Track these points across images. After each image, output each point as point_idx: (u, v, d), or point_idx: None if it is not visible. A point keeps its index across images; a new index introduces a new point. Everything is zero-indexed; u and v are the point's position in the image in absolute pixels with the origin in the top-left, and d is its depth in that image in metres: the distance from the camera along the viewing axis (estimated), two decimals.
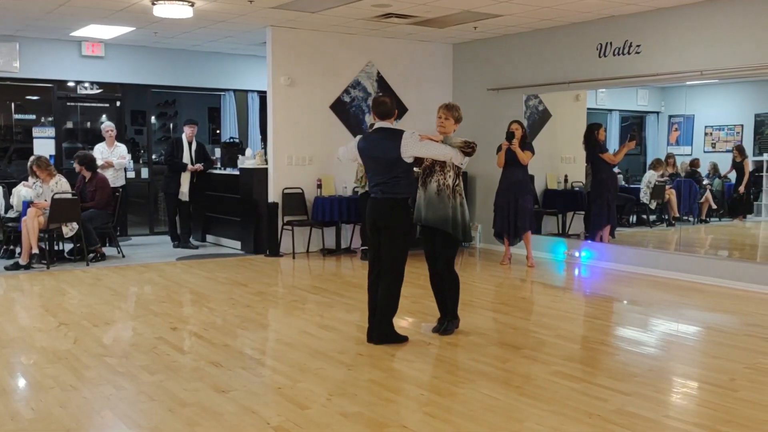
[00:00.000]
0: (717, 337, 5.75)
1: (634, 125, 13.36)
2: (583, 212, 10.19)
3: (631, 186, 12.36)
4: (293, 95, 9.83)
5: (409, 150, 5.22)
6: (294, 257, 9.56)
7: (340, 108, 10.21)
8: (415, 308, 6.74)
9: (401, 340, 5.41)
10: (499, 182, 8.97)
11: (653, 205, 11.74)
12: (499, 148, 8.86)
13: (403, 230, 5.36)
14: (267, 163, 9.87)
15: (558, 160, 10.87)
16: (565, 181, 10.83)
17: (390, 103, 5.36)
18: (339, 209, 9.64)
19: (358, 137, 5.58)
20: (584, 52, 9.11)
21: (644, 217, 11.80)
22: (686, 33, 8.07)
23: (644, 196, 11.61)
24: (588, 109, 10.88)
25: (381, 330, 5.34)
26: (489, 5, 8.14)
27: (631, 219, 11.87)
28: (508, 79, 10.15)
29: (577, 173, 10.75)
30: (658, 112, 13.41)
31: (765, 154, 12.87)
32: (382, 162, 5.27)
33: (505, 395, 4.24)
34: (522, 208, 8.81)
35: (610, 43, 8.81)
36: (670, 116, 14.22)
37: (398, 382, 4.53)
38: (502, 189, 8.92)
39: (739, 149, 12.72)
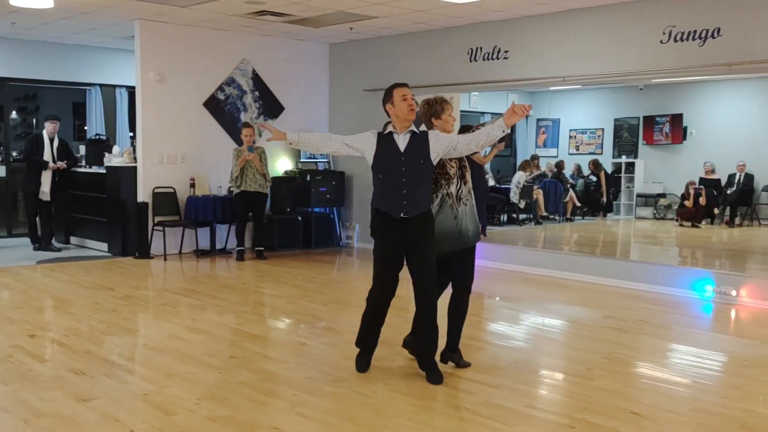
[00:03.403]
0: (578, 330, 6.06)
1: None
2: None
3: (502, 186, 12.84)
4: (164, 91, 9.50)
5: None
6: (165, 259, 9.25)
7: (214, 105, 9.97)
8: (290, 309, 6.69)
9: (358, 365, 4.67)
10: None
11: (522, 205, 12.24)
12: None
13: (373, 240, 4.58)
14: (136, 162, 9.50)
15: None
16: None
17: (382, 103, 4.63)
18: (213, 209, 9.41)
19: None
20: (456, 56, 9.36)
21: (514, 216, 12.29)
22: (550, 40, 8.45)
23: (514, 196, 12.09)
24: (462, 111, 11.19)
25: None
26: (363, 7, 8.20)
27: (502, 218, 12.32)
28: (384, 80, 10.24)
29: None
30: (527, 116, 13.98)
31: (623, 156, 13.74)
32: None
33: (377, 392, 4.28)
34: None
35: (480, 48, 9.09)
36: (538, 120, 14.92)
37: (271, 383, 4.47)
38: None
39: (595, 164, 13.55)
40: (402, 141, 4.39)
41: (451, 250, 4.56)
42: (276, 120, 10.57)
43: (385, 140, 4.43)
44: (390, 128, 4.44)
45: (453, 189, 4.57)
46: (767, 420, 3.90)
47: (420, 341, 4.54)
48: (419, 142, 4.39)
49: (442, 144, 4.38)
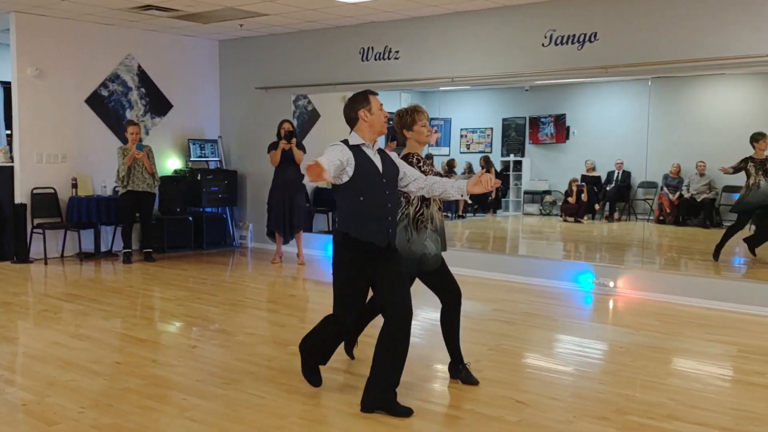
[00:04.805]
0: (467, 323, 6.18)
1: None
2: None
3: None
4: (43, 87, 9.06)
5: None
6: (46, 263, 8.81)
7: (97, 102, 9.59)
8: (180, 311, 6.53)
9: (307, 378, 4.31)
10: (273, 181, 8.96)
11: None
12: (272, 146, 8.85)
13: (335, 267, 4.02)
14: (13, 161, 9.01)
15: None
16: None
17: (346, 108, 3.96)
18: (97, 210, 9.06)
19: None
20: (348, 55, 9.40)
21: None
22: (438, 41, 8.63)
23: None
24: None
25: (303, 356, 4.29)
26: (253, 3, 8.10)
27: None
28: (276, 78, 10.18)
29: None
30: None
31: (511, 155, 14.22)
32: None
33: (270, 393, 4.25)
34: (297, 207, 8.90)
35: (372, 48, 9.17)
36: (431, 119, 15.18)
37: (159, 388, 4.35)
38: (276, 187, 8.93)
39: (486, 160, 13.95)
40: (375, 157, 3.89)
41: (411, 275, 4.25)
42: (164, 117, 10.29)
43: (358, 154, 3.83)
44: (356, 140, 3.88)
45: (411, 210, 4.25)
46: (640, 403, 4.15)
47: (381, 377, 3.93)
48: (388, 159, 3.95)
49: (399, 169, 4.01)
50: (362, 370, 4.66)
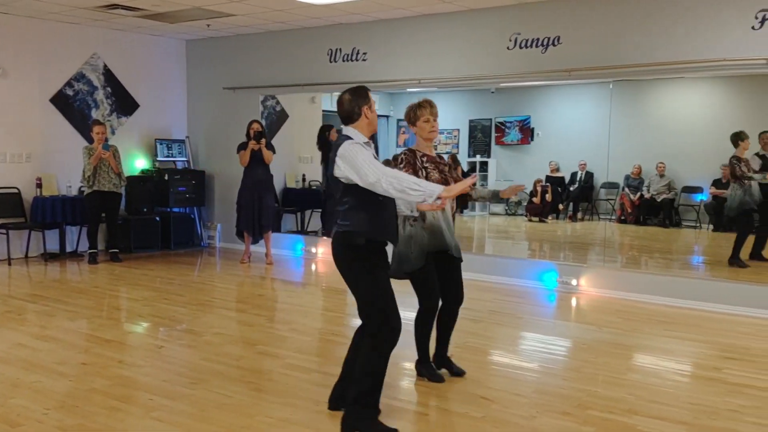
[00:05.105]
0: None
1: None
2: (320, 210, 10.56)
3: None
4: (6, 87, 8.94)
5: (339, 166, 3.60)
6: (10, 264, 8.69)
7: (62, 102, 9.48)
8: (147, 312, 6.50)
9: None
10: (242, 181, 8.96)
11: None
12: (241, 147, 8.85)
13: (351, 270, 3.71)
14: None
15: (296, 160, 11.14)
16: (303, 180, 11.13)
17: (348, 102, 3.71)
18: (62, 210, 8.97)
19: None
20: (316, 56, 9.43)
21: None
22: (406, 43, 8.71)
23: None
24: (324, 111, 11.27)
25: (348, 412, 3.73)
26: (220, 4, 8.08)
27: None
28: (244, 78, 10.16)
29: (314, 173, 11.10)
30: (387, 116, 14.27)
31: (478, 156, 14.36)
32: (331, 180, 3.75)
33: (237, 392, 4.27)
34: (266, 207, 8.91)
35: (340, 49, 9.21)
36: (399, 120, 15.27)
37: (125, 389, 4.34)
38: (245, 187, 8.92)
39: (453, 158, 14.04)
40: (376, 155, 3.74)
41: (392, 275, 4.06)
42: (130, 117, 10.22)
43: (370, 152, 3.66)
44: (359, 137, 3.67)
45: (404, 208, 4.17)
46: (602, 398, 4.25)
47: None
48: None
49: None
50: (331, 369, 4.71)
